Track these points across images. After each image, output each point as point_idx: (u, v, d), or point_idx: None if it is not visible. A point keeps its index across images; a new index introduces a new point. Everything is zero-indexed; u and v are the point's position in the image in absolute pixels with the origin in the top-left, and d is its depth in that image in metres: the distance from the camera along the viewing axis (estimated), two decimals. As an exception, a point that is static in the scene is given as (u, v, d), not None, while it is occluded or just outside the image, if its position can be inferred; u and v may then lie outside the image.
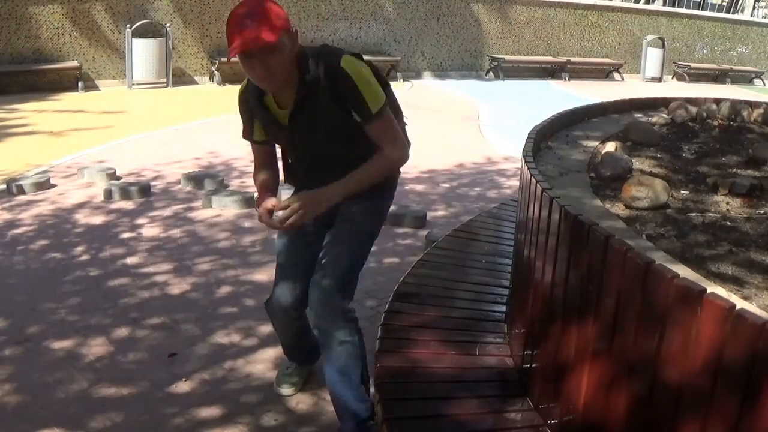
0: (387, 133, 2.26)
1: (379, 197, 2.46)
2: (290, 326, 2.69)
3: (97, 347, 3.22)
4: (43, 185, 5.70)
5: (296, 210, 2.15)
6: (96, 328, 3.40)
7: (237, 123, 2.49)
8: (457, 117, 10.10)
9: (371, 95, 2.19)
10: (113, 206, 5.33)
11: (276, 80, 2.12)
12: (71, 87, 10.92)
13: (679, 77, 18.14)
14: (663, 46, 17.39)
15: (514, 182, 6.30)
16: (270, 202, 2.24)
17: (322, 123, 2.24)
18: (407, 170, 4.45)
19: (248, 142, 2.48)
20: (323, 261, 2.37)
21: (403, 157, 2.34)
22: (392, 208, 2.95)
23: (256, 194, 2.37)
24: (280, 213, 2.17)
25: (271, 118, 2.32)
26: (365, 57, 2.31)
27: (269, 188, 2.37)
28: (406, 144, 2.35)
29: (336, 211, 2.40)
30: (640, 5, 19.96)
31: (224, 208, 5.34)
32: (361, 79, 2.17)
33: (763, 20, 21.91)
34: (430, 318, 2.78)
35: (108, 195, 5.51)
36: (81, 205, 5.33)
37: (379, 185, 2.36)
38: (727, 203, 2.57)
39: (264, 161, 2.47)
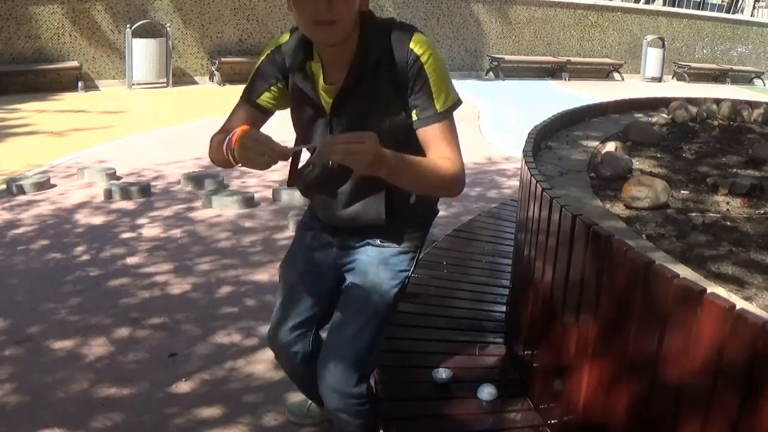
0: (450, 143, 1.79)
1: (410, 251, 2.00)
2: (296, 371, 2.23)
3: (97, 347, 3.22)
4: (43, 185, 5.70)
5: (357, 139, 1.54)
6: (96, 328, 3.40)
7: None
8: (457, 117, 10.05)
9: (441, 88, 1.77)
10: (113, 206, 5.33)
11: (338, 26, 1.67)
12: (71, 87, 10.93)
13: (679, 77, 18.15)
14: (663, 46, 17.40)
15: (514, 182, 6.29)
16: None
17: (369, 115, 1.77)
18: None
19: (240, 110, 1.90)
20: (341, 332, 1.94)
21: (461, 180, 1.80)
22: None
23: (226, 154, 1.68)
24: (340, 138, 1.57)
25: (309, 91, 1.82)
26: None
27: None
28: (464, 168, 1.82)
29: (361, 255, 1.98)
30: (640, 5, 19.96)
31: (224, 208, 5.34)
32: (432, 65, 1.75)
33: (763, 20, 21.91)
34: (430, 318, 2.78)
35: (108, 195, 5.51)
36: (81, 205, 5.33)
37: (416, 224, 1.99)
38: (728, 203, 2.57)
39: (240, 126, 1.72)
